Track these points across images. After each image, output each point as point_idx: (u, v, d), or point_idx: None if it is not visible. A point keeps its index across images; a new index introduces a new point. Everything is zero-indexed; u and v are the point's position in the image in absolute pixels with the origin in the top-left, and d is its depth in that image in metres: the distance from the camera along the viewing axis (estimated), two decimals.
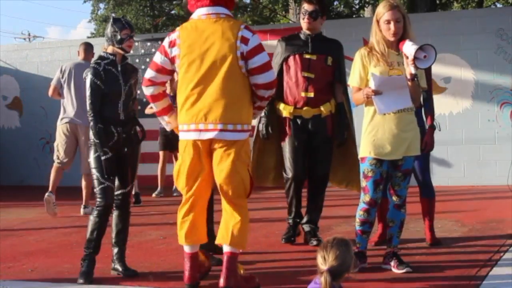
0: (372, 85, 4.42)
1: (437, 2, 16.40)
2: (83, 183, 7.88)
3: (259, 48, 4.15)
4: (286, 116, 5.49)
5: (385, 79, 4.41)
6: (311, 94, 5.40)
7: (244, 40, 4.12)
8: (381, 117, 4.47)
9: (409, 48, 4.38)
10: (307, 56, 5.46)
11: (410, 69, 4.40)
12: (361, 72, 4.57)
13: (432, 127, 5.40)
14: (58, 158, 7.96)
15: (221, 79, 4.10)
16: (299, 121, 5.47)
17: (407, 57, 4.40)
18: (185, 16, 20.60)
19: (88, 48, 8.31)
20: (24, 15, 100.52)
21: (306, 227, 5.61)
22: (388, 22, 4.48)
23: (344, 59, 5.69)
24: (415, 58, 4.33)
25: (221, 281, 4.16)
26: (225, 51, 4.10)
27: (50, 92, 8.17)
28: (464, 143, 9.56)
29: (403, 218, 4.67)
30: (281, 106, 5.51)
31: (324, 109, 5.46)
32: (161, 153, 9.43)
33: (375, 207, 4.62)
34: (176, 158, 9.20)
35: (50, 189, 7.83)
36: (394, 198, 4.62)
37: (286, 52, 5.54)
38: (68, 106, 7.95)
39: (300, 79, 5.45)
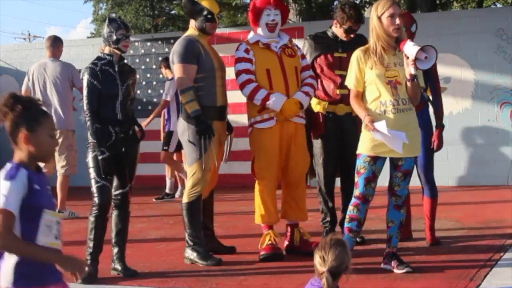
0: (380, 125, 4.36)
1: (437, 2, 16.39)
2: (58, 185, 7.52)
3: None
4: (319, 112, 5.49)
5: (388, 133, 4.37)
6: (346, 91, 5.23)
7: None
8: (381, 116, 4.48)
9: (410, 48, 4.38)
10: (338, 55, 5.48)
11: (410, 70, 4.40)
12: (357, 74, 4.59)
13: (441, 126, 5.41)
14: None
15: None
16: (331, 118, 5.47)
17: (407, 57, 4.40)
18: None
19: (53, 44, 7.78)
20: (24, 15, 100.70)
21: None
22: (392, 16, 4.49)
23: None
24: (416, 59, 4.33)
25: None
26: None
27: None
28: (464, 143, 9.56)
29: (403, 219, 4.66)
30: (314, 101, 5.50)
31: None
32: (175, 155, 9.16)
33: (366, 203, 4.58)
34: (181, 160, 9.09)
35: (61, 207, 7.48)
36: (394, 198, 4.61)
37: (316, 51, 5.55)
38: None
39: (333, 77, 5.45)
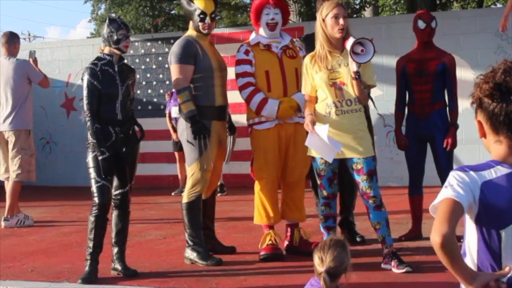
0: (321, 129, 4.40)
1: (437, 2, 16.39)
2: (8, 191, 7.05)
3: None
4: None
5: (327, 139, 4.39)
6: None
7: None
8: (326, 117, 4.53)
9: (348, 43, 4.43)
10: None
11: (352, 67, 4.42)
12: (307, 80, 4.68)
13: (455, 126, 5.42)
14: None
15: None
16: None
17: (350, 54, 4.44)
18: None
19: (9, 40, 7.25)
20: (24, 15, 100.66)
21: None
22: (337, 16, 4.51)
23: None
24: (354, 53, 4.34)
25: None
26: None
27: None
28: (464, 143, 9.53)
29: (386, 216, 4.64)
30: None
31: None
32: (176, 153, 9.43)
33: (334, 199, 4.75)
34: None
35: (8, 214, 6.98)
36: (371, 201, 4.56)
37: (307, 52, 5.52)
38: None
39: None
